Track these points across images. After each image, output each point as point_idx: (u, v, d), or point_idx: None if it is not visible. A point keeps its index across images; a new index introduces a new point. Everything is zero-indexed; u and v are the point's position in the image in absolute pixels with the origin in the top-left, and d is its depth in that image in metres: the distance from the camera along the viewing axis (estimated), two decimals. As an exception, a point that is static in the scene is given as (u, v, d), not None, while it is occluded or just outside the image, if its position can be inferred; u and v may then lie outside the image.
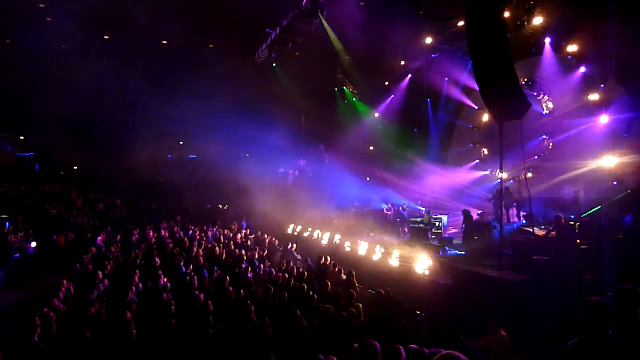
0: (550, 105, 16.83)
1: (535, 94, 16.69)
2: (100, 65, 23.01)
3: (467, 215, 15.01)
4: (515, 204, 16.16)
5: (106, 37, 24.96)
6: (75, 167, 28.41)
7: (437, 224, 16.48)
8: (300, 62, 23.28)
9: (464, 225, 15.05)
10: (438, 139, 22.24)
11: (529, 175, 16.53)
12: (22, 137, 29.09)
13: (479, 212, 15.91)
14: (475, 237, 13.79)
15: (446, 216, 17.23)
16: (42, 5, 21.59)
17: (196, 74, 22.67)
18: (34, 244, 16.67)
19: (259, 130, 21.66)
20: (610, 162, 12.99)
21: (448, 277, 11.26)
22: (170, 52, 24.87)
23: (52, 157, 28.27)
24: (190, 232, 18.48)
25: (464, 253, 13.29)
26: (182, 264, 12.42)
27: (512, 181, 17.15)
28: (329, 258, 13.27)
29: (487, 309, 9.43)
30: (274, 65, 23.06)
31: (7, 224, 18.13)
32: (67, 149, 28.09)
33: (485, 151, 20.42)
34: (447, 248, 13.54)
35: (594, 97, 14.79)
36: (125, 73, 22.57)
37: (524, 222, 14.28)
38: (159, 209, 24.56)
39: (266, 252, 15.19)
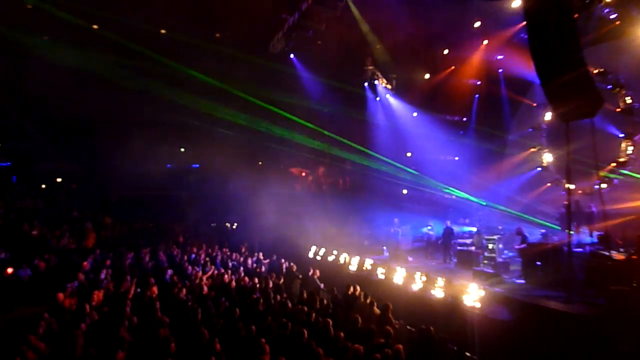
0: (629, 100, 16.52)
1: (609, 87, 16.42)
2: (87, 59, 23.46)
3: (524, 234, 14.79)
4: (586, 222, 15.84)
5: (95, 27, 25.50)
6: (59, 179, 28.95)
7: (490, 246, 16.29)
8: (323, 53, 23.41)
9: (522, 247, 14.80)
10: (488, 144, 22.12)
11: (603, 185, 16.20)
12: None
13: (542, 231, 15.62)
14: (538, 263, 13.55)
15: (501, 236, 17.03)
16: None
17: (200, 68, 23.00)
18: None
19: (274, 135, 21.81)
20: None
21: (504, 311, 11.08)
22: (170, 43, 25.24)
23: (32, 167, 28.87)
24: (193, 255, 18.62)
25: (523, 282, 13.12)
26: (183, 293, 12.50)
27: (582, 193, 16.85)
28: (358, 287, 13.19)
29: (552, 349, 9.23)
30: (292, 56, 23.27)
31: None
32: (50, 158, 28.67)
33: (549, 157, 20.12)
34: (503, 275, 13.32)
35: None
36: (116, 69, 22.97)
37: (598, 243, 13.97)
38: (156, 228, 24.78)
39: (282, 280, 15.19)
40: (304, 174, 28.31)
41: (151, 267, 16.68)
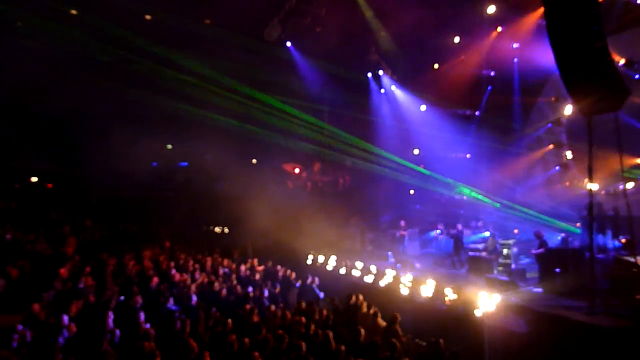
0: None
1: (636, 76, 16.42)
2: (64, 47, 23.39)
3: (543, 239, 14.79)
4: (610, 225, 15.84)
5: (73, 12, 25.44)
6: (34, 179, 28.91)
7: (505, 251, 16.31)
8: (323, 41, 23.39)
9: (539, 252, 14.81)
10: (502, 140, 22.16)
11: (629, 185, 16.20)
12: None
13: (561, 235, 15.63)
14: (557, 269, 13.55)
15: (516, 241, 17.03)
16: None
17: (188, 57, 22.98)
18: None
19: (269, 131, 21.77)
20: None
21: (520, 322, 11.09)
22: (156, 29, 25.19)
23: (4, 165, 28.80)
24: (181, 261, 18.60)
25: (541, 290, 13.14)
26: (170, 303, 12.49)
27: (605, 194, 16.86)
28: (361, 297, 13.20)
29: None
30: (288, 44, 23.25)
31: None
32: (24, 156, 28.60)
33: (569, 154, 20.14)
34: (518, 283, 13.36)
35: None
36: (96, 57, 22.90)
37: (622, 248, 13.98)
38: (141, 232, 24.76)
39: (278, 289, 15.19)
40: (297, 170, 28.27)
41: (135, 274, 16.64)
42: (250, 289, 14.37)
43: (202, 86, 22.94)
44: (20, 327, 10.13)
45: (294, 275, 16.73)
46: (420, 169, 23.69)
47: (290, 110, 23.78)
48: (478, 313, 11.48)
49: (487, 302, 11.49)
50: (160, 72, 23.11)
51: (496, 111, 22.81)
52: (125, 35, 21.98)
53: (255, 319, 11.84)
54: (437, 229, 19.53)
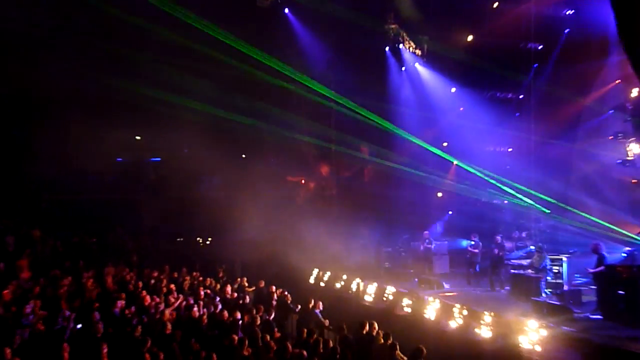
0: None
1: None
2: (9, 19, 23.39)
3: (602, 253, 14.74)
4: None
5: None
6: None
7: (556, 269, 16.29)
8: (329, 7, 23.35)
9: (598, 270, 14.75)
10: (552, 130, 22.15)
11: None
12: None
13: (625, 249, 15.59)
14: (620, 292, 13.53)
15: (569, 256, 17.00)
16: None
17: (160, 27, 22.90)
18: None
19: (262, 119, 21.77)
20: None
21: (574, 356, 11.08)
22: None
23: None
24: (153, 281, 18.62)
25: (600, 317, 13.14)
26: (138, 332, 12.48)
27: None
28: (375, 325, 13.16)
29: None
30: (286, 11, 23.24)
31: None
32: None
33: (635, 148, 20.07)
34: (572, 309, 13.31)
35: None
36: (50, 30, 22.86)
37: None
38: (102, 244, 24.79)
39: (273, 315, 15.18)
40: (303, 181, 28.34)
41: (95, 296, 16.65)
42: (238, 315, 14.34)
43: (178, 64, 22.92)
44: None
45: (290, 298, 16.71)
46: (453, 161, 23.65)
47: (289, 92, 23.78)
48: (522, 346, 11.45)
49: (533, 332, 11.42)
50: (127, 46, 23.06)
51: (545, 95, 22.75)
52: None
53: (246, 352, 11.83)
54: (471, 240, 19.45)
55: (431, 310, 14.16)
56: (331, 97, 24.71)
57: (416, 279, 18.78)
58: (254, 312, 14.67)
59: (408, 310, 15.07)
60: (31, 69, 23.82)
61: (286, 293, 17.00)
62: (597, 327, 12.43)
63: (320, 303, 15.81)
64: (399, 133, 23.43)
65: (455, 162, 24.00)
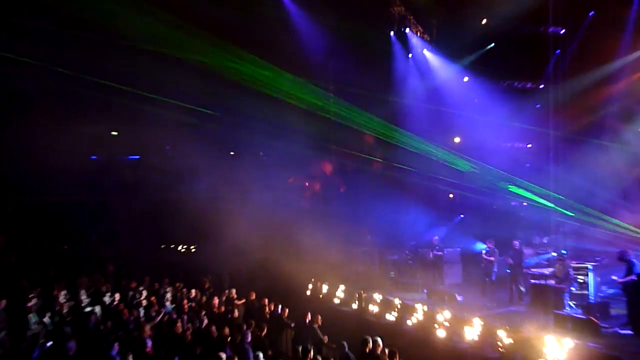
0: None
1: None
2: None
3: (631, 261, 14.68)
4: None
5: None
6: None
7: (581, 278, 16.30)
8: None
9: (627, 280, 14.70)
10: (577, 124, 22.11)
11: None
12: None
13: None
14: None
15: (596, 264, 16.98)
16: None
17: (138, 11, 22.85)
18: None
19: (253, 114, 21.78)
20: None
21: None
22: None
23: None
24: (131, 293, 18.57)
25: (630, 332, 13.19)
26: (114, 350, 12.41)
27: None
28: (380, 341, 13.09)
29: None
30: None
31: None
32: None
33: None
34: (599, 323, 13.27)
35: None
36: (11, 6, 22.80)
37: None
38: (75, 253, 24.75)
39: (265, 331, 15.11)
40: (307, 183, 28.32)
41: (68, 311, 16.61)
42: (227, 330, 14.27)
43: (159, 51, 22.84)
44: None
45: (287, 312, 16.65)
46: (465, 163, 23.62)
47: (282, 87, 23.70)
48: (546, 363, 11.39)
49: (555, 348, 11.39)
50: (101, 31, 22.97)
51: (569, 84, 22.69)
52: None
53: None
54: (487, 246, 19.41)
55: (442, 324, 14.11)
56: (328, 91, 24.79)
57: (425, 290, 18.77)
58: (244, 327, 14.59)
59: (416, 324, 15.01)
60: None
61: (280, 306, 16.94)
62: (627, 343, 12.46)
63: (319, 317, 15.75)
64: (404, 135, 23.51)
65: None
